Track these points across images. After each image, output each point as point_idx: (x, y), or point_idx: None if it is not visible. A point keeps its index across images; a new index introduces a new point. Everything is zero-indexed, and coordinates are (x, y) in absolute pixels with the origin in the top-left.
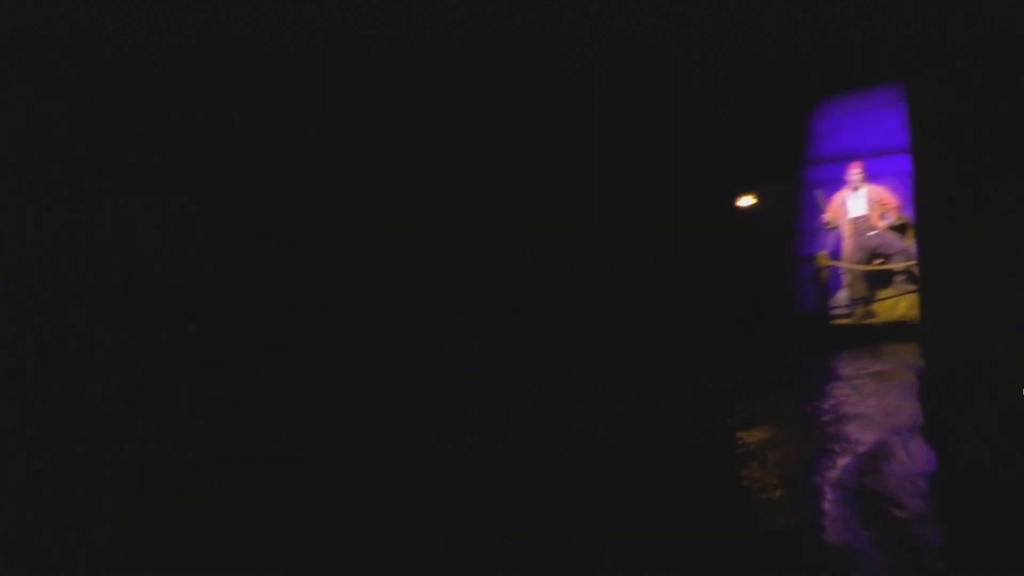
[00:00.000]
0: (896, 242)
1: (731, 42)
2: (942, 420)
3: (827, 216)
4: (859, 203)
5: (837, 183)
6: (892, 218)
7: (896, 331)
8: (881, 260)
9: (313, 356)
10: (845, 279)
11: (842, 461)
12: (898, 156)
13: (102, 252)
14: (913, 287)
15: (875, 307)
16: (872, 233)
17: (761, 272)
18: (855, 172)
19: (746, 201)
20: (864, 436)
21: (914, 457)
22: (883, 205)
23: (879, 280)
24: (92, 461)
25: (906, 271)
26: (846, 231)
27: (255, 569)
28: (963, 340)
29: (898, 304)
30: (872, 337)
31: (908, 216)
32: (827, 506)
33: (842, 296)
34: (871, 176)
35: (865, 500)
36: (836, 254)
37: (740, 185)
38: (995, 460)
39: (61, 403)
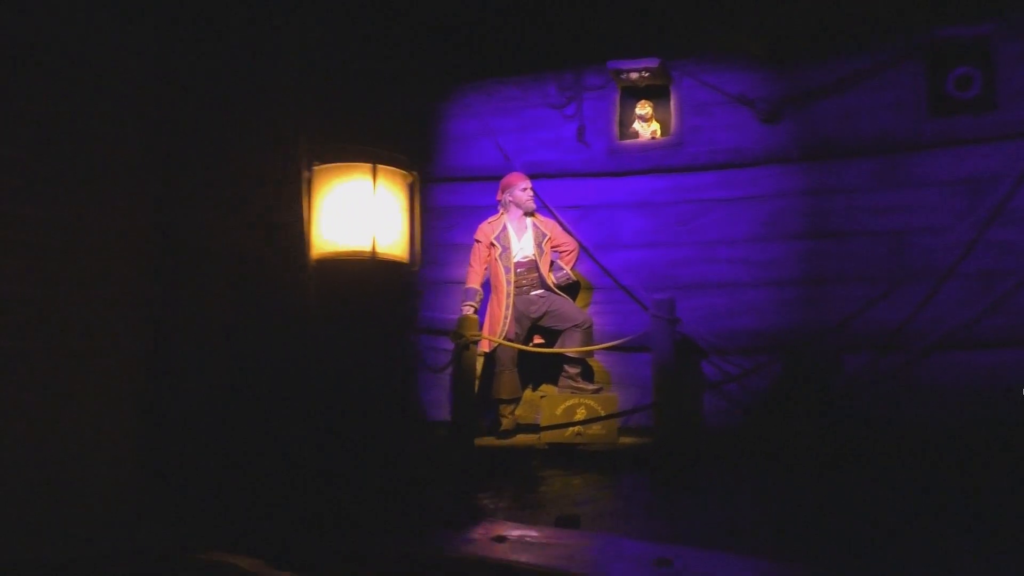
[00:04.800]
0: (570, 311)
1: None
2: None
3: (475, 262)
4: (526, 242)
5: (482, 211)
6: (565, 272)
7: (570, 461)
8: (541, 341)
9: None
10: (496, 367)
11: None
12: (571, 180)
13: None
14: (591, 387)
15: (529, 415)
16: (537, 293)
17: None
18: (525, 190)
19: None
20: None
21: None
22: (557, 249)
23: (543, 371)
24: None
25: (580, 361)
26: (500, 285)
27: None
28: None
29: (571, 417)
30: (531, 473)
31: (580, 272)
32: None
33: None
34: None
35: None
36: (482, 323)
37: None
38: None
39: None
